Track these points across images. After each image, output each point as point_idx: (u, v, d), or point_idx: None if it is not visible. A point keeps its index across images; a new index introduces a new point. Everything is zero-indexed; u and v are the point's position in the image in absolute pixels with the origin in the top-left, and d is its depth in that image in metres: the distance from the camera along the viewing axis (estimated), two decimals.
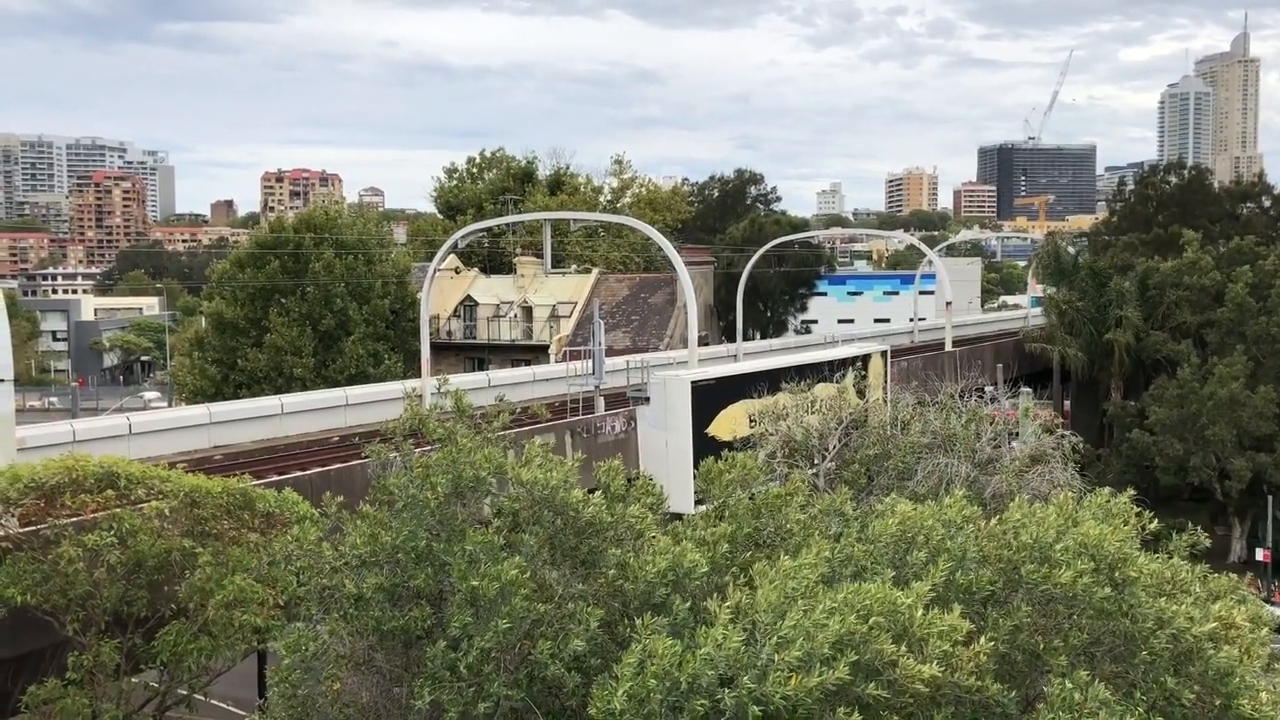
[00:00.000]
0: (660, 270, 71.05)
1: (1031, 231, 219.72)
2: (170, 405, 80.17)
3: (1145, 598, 10.51)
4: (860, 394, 32.20)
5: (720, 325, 76.80)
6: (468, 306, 65.94)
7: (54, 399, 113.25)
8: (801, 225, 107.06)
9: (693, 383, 29.89)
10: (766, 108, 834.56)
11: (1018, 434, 25.62)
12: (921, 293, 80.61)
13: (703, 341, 55.47)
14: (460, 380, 37.68)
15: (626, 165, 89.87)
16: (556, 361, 52.82)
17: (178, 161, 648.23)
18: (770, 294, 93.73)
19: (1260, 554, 49.12)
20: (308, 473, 23.65)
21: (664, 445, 29.55)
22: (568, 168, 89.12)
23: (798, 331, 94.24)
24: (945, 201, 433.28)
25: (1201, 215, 69.19)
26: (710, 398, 30.22)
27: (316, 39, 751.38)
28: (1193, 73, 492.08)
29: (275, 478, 22.41)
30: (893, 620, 9.55)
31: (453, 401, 14.15)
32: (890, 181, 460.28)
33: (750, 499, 14.18)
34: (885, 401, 33.16)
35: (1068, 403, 65.46)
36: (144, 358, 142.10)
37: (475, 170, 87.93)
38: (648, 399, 30.63)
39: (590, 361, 35.25)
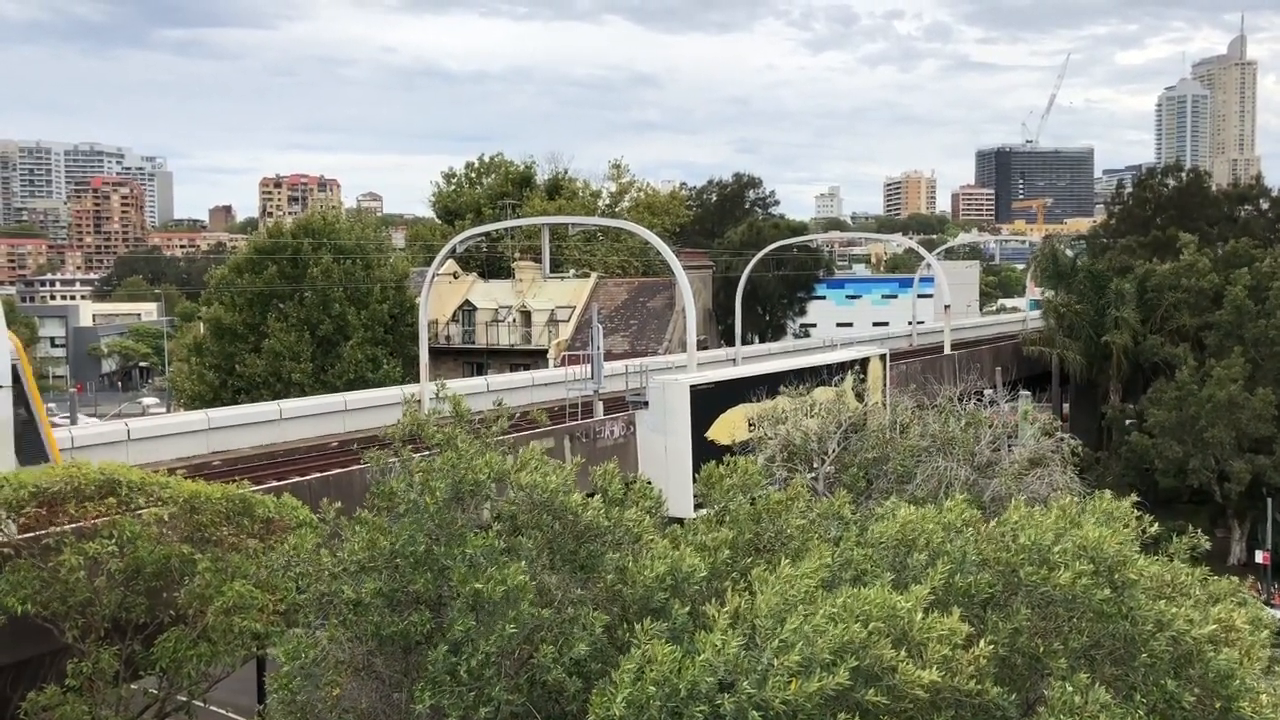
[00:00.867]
0: (659, 274, 71.08)
1: (1029, 234, 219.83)
2: (169, 411, 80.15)
3: (1145, 600, 10.51)
4: (859, 397, 32.21)
5: (719, 329, 76.77)
6: (466, 311, 65.93)
7: (52, 405, 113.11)
8: (800, 229, 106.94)
9: (691, 387, 29.89)
10: (764, 112, 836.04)
11: (1015, 436, 25.60)
12: (920, 296, 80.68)
13: (701, 345, 55.44)
14: (459, 385, 37.71)
15: (625, 169, 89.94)
16: (555, 366, 52.83)
17: (176, 167, 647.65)
18: (769, 298, 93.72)
19: (1260, 556, 49.07)
20: (307, 478, 23.66)
21: (663, 449, 29.54)
22: (566, 172, 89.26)
23: (796, 335, 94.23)
24: (943, 205, 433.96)
25: (1199, 218, 69.24)
26: (709, 402, 30.22)
27: (314, 44, 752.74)
28: (1190, 75, 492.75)
29: (274, 483, 22.41)
30: (892, 625, 9.54)
31: (451, 406, 14.15)
32: (888, 185, 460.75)
33: (751, 503, 14.17)
34: (884, 405, 33.16)
35: (1066, 405, 65.50)
36: (142, 363, 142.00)
37: (474, 175, 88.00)
38: (646, 403, 30.62)
39: (589, 366, 35.24)
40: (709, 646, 9.42)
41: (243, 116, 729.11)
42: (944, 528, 11.59)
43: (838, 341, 59.61)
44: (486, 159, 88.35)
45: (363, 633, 12.42)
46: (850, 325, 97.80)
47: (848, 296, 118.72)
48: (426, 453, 13.82)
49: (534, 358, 61.70)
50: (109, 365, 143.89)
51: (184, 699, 16.53)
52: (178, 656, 15.57)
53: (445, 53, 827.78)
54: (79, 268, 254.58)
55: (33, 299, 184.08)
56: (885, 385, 37.72)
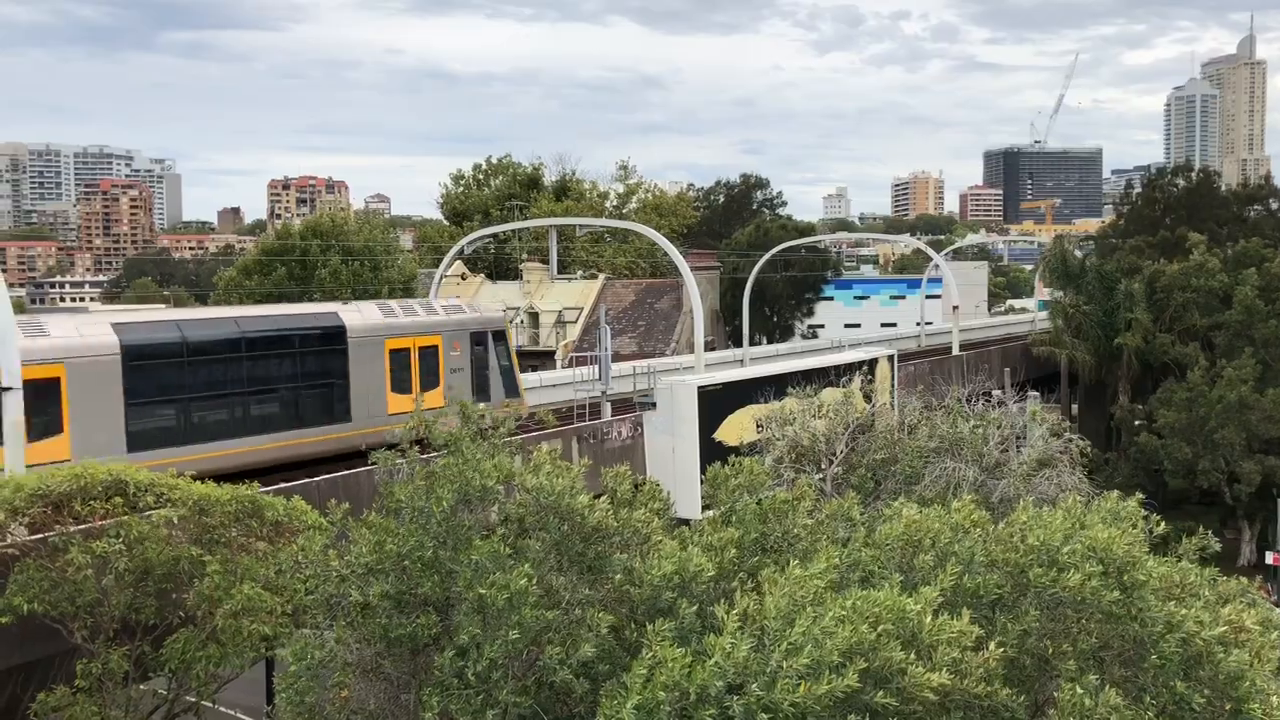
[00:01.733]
0: (666, 275, 71.08)
1: (1038, 235, 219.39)
2: None
3: (1154, 601, 10.48)
4: (867, 398, 32.16)
5: (726, 330, 76.76)
6: None
7: None
8: (807, 229, 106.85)
9: (699, 388, 29.88)
10: (771, 113, 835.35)
11: (1024, 437, 25.53)
12: (928, 297, 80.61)
13: (709, 346, 55.41)
14: None
15: (632, 170, 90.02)
16: (563, 367, 52.83)
17: (185, 169, 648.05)
18: (776, 299, 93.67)
19: (1270, 557, 48.91)
20: (316, 479, 23.67)
21: (671, 451, 29.52)
22: (574, 173, 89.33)
23: (804, 336, 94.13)
24: (951, 205, 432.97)
25: (1209, 218, 69.05)
26: (717, 403, 30.20)
27: (321, 47, 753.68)
28: (1199, 75, 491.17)
29: (283, 484, 22.42)
30: (902, 627, 9.52)
31: (459, 407, 14.16)
32: (896, 185, 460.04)
33: (758, 504, 14.15)
34: (892, 406, 33.11)
35: (1075, 406, 65.34)
36: None
37: (481, 176, 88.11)
38: (654, 404, 30.61)
39: (596, 367, 35.24)
40: (718, 649, 9.40)
41: (250, 119, 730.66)
42: (951, 528, 11.57)
43: (845, 342, 59.52)
44: (494, 161, 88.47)
45: (370, 635, 12.43)
46: (858, 326, 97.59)
47: (855, 297, 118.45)
48: (435, 454, 13.83)
49: (541, 359, 61.73)
50: None
51: (193, 700, 16.57)
52: (187, 658, 15.60)
53: (451, 55, 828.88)
54: (88, 270, 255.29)
55: (42, 300, 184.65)
56: (893, 386, 37.65)
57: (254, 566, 15.93)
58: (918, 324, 75.59)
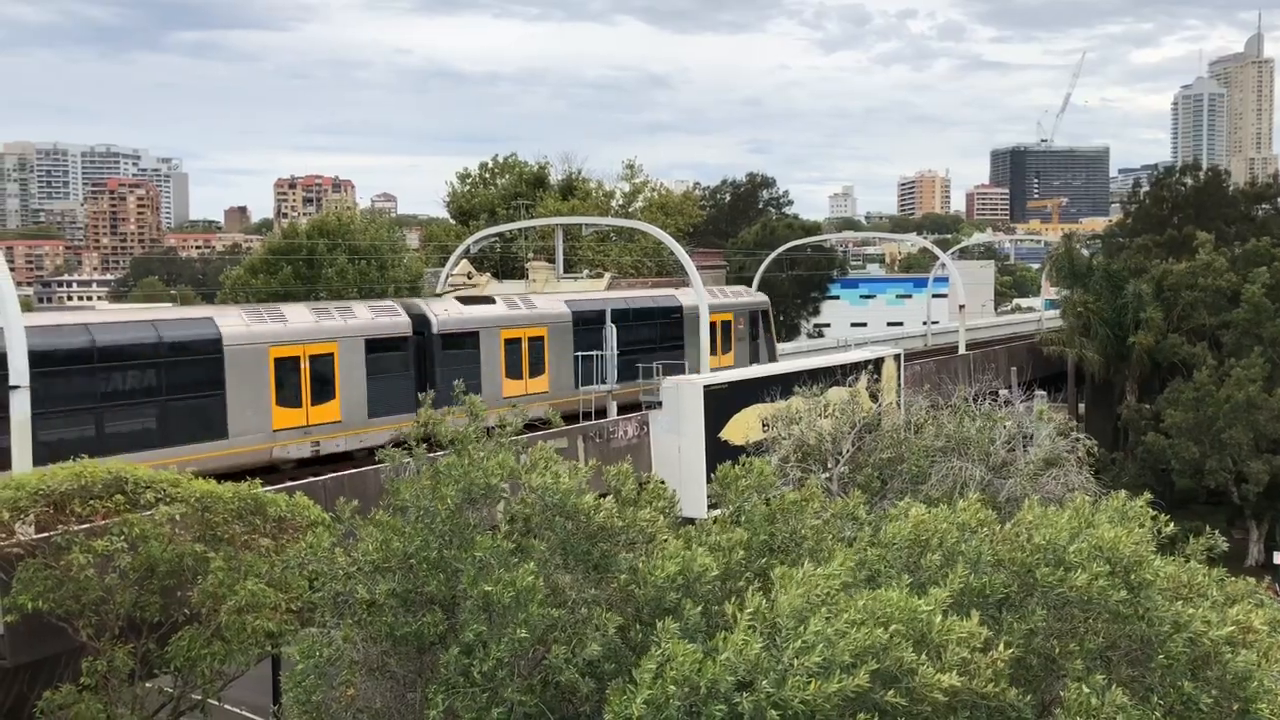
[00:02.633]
0: (672, 275, 70.97)
1: (1045, 234, 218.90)
2: None
3: (1162, 601, 10.44)
4: (873, 398, 32.10)
5: None
6: None
7: None
8: (814, 229, 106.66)
9: (705, 387, 29.84)
10: (777, 112, 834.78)
11: (1031, 436, 25.44)
12: (935, 296, 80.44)
13: None
14: None
15: (638, 170, 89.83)
16: None
17: (191, 169, 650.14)
18: (783, 298, 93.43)
19: (1277, 557, 48.76)
20: (321, 478, 23.65)
21: (676, 450, 29.49)
22: (580, 173, 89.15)
23: (810, 335, 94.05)
24: (958, 204, 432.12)
25: (1217, 217, 68.75)
26: (723, 402, 30.17)
27: (328, 47, 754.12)
28: (1206, 74, 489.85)
29: (288, 482, 22.40)
30: (912, 627, 9.49)
31: (465, 406, 14.14)
32: (902, 184, 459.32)
33: (766, 504, 14.12)
34: (898, 405, 33.05)
35: (1082, 405, 65.15)
36: None
37: (488, 175, 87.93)
38: (660, 403, 30.59)
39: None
40: (730, 646, 9.38)
41: (257, 118, 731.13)
42: (958, 528, 11.53)
43: (852, 341, 59.44)
44: (500, 159, 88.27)
45: (377, 633, 12.42)
46: (864, 325, 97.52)
47: (862, 296, 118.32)
48: (441, 452, 13.81)
49: None
50: None
51: (199, 697, 16.57)
52: (192, 655, 15.61)
53: (458, 54, 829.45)
54: (95, 269, 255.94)
55: (50, 299, 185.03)
56: (900, 385, 37.58)
57: (257, 563, 15.93)
58: (924, 323, 75.47)
